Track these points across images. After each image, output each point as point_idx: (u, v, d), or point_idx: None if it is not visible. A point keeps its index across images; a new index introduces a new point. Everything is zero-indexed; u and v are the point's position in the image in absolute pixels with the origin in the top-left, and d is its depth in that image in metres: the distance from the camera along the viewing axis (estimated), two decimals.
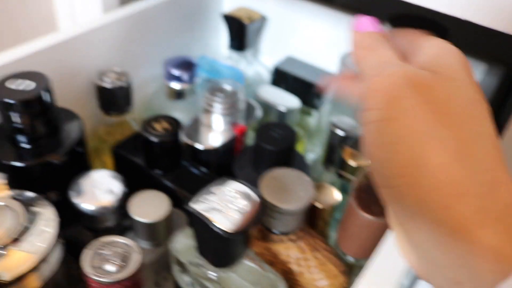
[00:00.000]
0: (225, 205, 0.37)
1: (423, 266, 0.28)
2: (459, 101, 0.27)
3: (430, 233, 0.26)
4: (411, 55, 0.32)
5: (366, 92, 0.29)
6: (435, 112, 0.26)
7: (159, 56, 0.72)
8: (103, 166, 0.67)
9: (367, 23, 0.35)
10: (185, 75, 0.66)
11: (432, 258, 0.27)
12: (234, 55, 0.77)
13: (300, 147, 0.71)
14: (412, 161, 0.26)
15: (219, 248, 0.38)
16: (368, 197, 0.48)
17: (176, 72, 0.65)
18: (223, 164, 0.62)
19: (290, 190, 0.45)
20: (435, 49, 0.31)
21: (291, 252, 0.48)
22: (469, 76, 0.29)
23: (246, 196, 0.38)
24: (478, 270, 0.24)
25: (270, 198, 0.44)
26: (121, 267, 0.39)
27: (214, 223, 0.36)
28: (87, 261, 0.39)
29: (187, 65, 0.67)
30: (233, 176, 0.58)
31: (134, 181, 0.58)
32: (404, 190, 0.27)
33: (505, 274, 0.23)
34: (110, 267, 0.39)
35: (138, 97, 0.71)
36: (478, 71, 0.64)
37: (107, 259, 0.39)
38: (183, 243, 0.46)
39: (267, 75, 0.77)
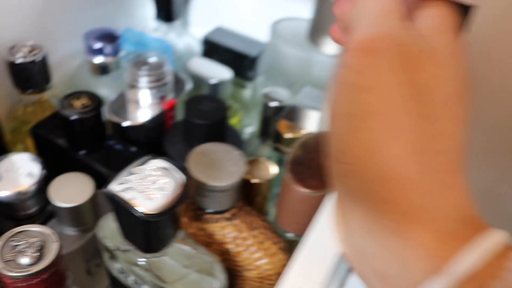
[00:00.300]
0: (146, 185, 0.34)
1: (354, 252, 0.26)
2: (439, 93, 0.25)
3: (367, 221, 0.25)
4: (413, 10, 0.28)
5: (349, 46, 0.26)
6: (411, 96, 0.24)
7: (80, 29, 0.67)
8: (25, 148, 0.62)
9: None
10: (107, 48, 0.62)
11: (364, 247, 0.25)
12: (162, 26, 0.73)
13: (235, 121, 0.69)
14: (370, 144, 0.24)
15: (144, 232, 0.36)
16: (304, 170, 0.46)
17: (97, 45, 0.61)
18: (152, 141, 0.58)
19: (220, 165, 0.43)
20: (438, 18, 0.27)
21: (227, 231, 0.45)
22: (460, 66, 0.26)
23: (170, 174, 0.35)
24: (409, 265, 0.23)
25: (199, 175, 0.41)
26: (37, 259, 0.35)
27: (133, 206, 0.33)
28: None
29: (110, 37, 0.62)
30: (163, 153, 0.55)
31: (57, 163, 0.54)
32: (352, 170, 0.24)
33: (434, 272, 0.22)
34: (24, 260, 0.35)
35: (60, 73, 0.66)
36: None
37: (20, 250, 0.35)
38: (109, 228, 0.43)
39: (198, 47, 0.74)
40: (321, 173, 0.46)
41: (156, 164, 0.36)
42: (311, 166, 0.46)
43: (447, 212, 0.24)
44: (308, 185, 0.45)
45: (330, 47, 0.59)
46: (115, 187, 0.34)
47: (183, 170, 0.36)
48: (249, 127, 0.74)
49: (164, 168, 0.35)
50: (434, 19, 0.27)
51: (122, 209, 0.34)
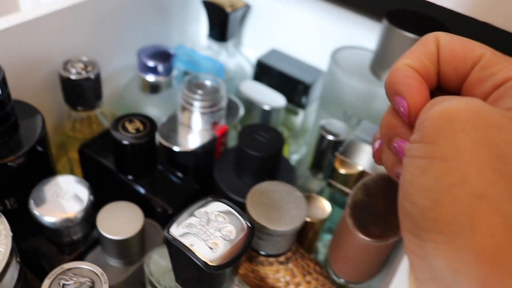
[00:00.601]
0: (209, 231, 0.32)
1: None
2: None
3: None
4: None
5: (418, 121, 0.24)
6: (497, 158, 0.21)
7: (132, 45, 0.65)
8: (70, 164, 0.60)
9: None
10: (161, 67, 0.60)
11: None
12: (214, 45, 0.71)
13: (284, 149, 0.66)
14: (457, 220, 0.21)
15: (202, 280, 0.33)
16: (365, 215, 0.43)
17: (151, 63, 0.59)
18: (202, 168, 0.56)
19: (281, 208, 0.40)
20: None
21: (280, 275, 0.43)
22: None
23: (233, 221, 0.33)
24: None
25: (258, 218, 0.39)
26: None
27: (196, 254, 0.30)
28: None
29: (164, 56, 0.60)
30: (213, 182, 0.53)
31: (103, 184, 0.52)
32: (437, 249, 0.22)
33: None
34: None
35: (109, 89, 0.64)
36: None
37: None
38: (158, 264, 0.40)
39: (249, 69, 0.71)
40: (383, 220, 0.43)
41: (218, 208, 0.33)
42: (373, 212, 0.43)
43: None
44: (369, 232, 0.42)
45: None
46: (175, 230, 0.32)
47: (246, 217, 0.33)
48: (296, 155, 0.71)
49: (228, 213, 0.33)
50: None
51: (180, 254, 0.31)
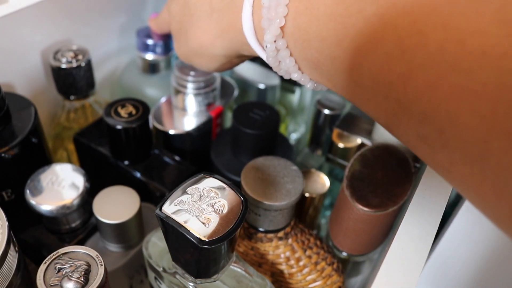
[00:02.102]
0: (202, 207, 0.31)
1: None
2: None
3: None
4: None
5: None
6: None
7: (126, 27, 0.64)
8: (68, 155, 0.60)
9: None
10: (159, 45, 0.59)
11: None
12: None
13: (282, 128, 0.65)
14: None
15: (197, 258, 0.33)
16: (364, 186, 0.42)
17: (150, 41, 0.58)
18: (198, 150, 0.56)
19: (277, 182, 0.39)
20: None
21: (280, 251, 0.42)
22: None
23: (225, 195, 0.32)
24: None
25: (254, 193, 0.38)
26: (82, 284, 0.33)
27: (189, 231, 0.30)
28: (41, 279, 0.33)
29: (162, 35, 0.60)
30: (210, 163, 0.53)
31: (100, 172, 0.52)
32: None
33: None
34: (69, 285, 0.33)
35: (104, 73, 0.64)
36: None
37: (65, 275, 0.33)
38: (156, 246, 0.40)
39: None
40: (382, 189, 0.42)
41: (211, 184, 0.33)
42: (371, 182, 0.43)
43: None
44: (369, 203, 0.41)
45: None
46: (168, 208, 0.31)
47: (239, 191, 0.33)
48: (295, 134, 0.71)
49: (220, 188, 0.32)
50: None
51: (174, 232, 0.31)
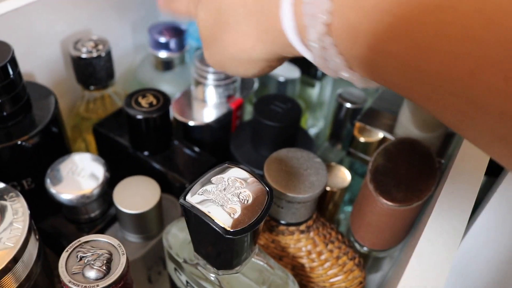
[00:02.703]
0: (227, 197, 0.31)
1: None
2: None
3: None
4: None
5: None
6: None
7: (143, 22, 0.64)
8: (86, 145, 0.60)
9: None
10: (173, 43, 0.59)
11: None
12: None
13: (302, 122, 0.65)
14: None
15: (221, 248, 0.32)
16: (387, 180, 0.42)
17: (163, 39, 0.58)
18: (218, 142, 0.55)
19: (300, 174, 0.39)
20: None
21: (301, 244, 0.42)
22: None
23: (251, 185, 0.32)
24: None
25: (277, 185, 0.38)
26: (105, 273, 0.32)
27: (214, 220, 0.30)
28: (63, 267, 0.32)
29: (175, 31, 0.59)
30: (229, 155, 0.52)
31: (119, 162, 0.52)
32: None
33: None
34: (91, 273, 0.32)
35: (122, 68, 0.64)
36: None
37: (87, 263, 0.33)
38: (176, 237, 0.40)
39: None
40: (406, 184, 0.41)
41: (235, 174, 0.32)
42: (395, 176, 0.42)
43: None
44: (393, 198, 0.40)
45: None
46: (192, 198, 0.31)
47: (264, 181, 0.32)
48: (313, 128, 0.70)
49: (245, 178, 0.32)
50: None
51: (198, 222, 0.31)
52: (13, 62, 0.42)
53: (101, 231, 0.46)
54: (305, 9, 0.27)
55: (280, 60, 0.36)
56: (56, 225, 0.47)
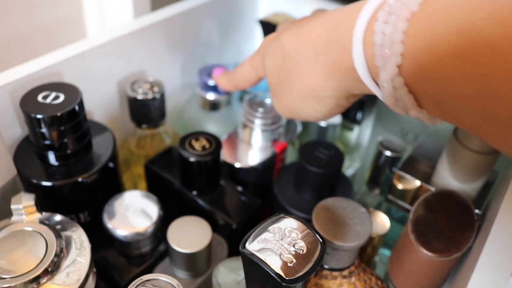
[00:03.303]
0: (284, 246, 0.33)
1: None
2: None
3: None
4: None
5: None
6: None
7: (192, 63, 0.68)
8: (134, 179, 0.63)
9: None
10: None
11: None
12: None
13: None
14: None
15: None
16: (427, 231, 0.43)
17: (212, 81, 0.61)
18: (260, 184, 0.58)
19: (346, 224, 0.41)
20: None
21: None
22: None
23: (306, 236, 0.34)
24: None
25: (325, 233, 0.40)
26: None
27: (272, 268, 0.32)
28: None
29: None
30: (272, 196, 0.55)
31: (167, 198, 0.55)
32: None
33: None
34: None
35: (169, 106, 0.67)
36: None
37: None
38: (225, 276, 0.42)
39: None
40: (446, 235, 0.43)
41: (291, 224, 0.35)
42: (435, 227, 0.44)
43: None
44: (433, 248, 0.42)
45: None
46: (251, 246, 0.33)
47: (318, 233, 0.34)
48: (350, 169, 0.72)
49: (301, 229, 0.34)
50: None
51: (257, 269, 0.33)
52: (81, 105, 0.46)
53: (151, 266, 0.49)
54: (376, 50, 0.28)
55: (348, 98, 0.37)
56: (107, 258, 0.50)
